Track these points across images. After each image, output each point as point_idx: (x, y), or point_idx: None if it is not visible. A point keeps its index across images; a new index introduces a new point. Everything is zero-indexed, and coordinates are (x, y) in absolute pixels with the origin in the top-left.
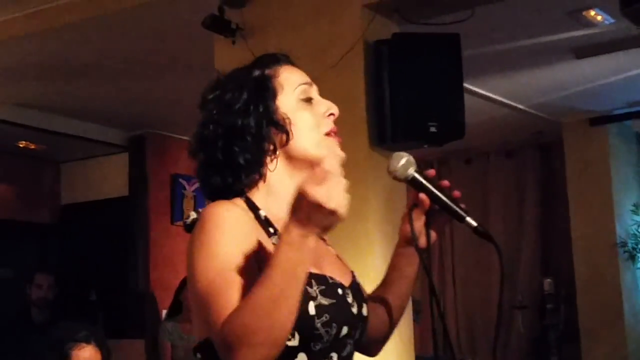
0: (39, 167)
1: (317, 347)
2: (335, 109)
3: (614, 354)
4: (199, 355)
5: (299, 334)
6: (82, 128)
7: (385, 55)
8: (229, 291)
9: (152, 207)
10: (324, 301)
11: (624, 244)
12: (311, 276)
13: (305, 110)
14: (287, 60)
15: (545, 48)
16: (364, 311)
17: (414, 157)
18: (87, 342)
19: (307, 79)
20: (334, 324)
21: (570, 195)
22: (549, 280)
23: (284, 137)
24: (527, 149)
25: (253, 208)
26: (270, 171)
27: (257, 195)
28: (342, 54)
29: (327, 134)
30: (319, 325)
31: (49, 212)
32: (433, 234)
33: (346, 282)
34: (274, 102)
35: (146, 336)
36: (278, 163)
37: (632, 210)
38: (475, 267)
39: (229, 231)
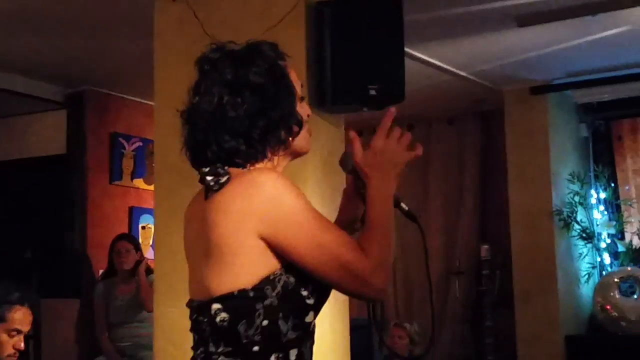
0: None
1: (321, 307)
2: (310, 112)
3: (546, 319)
4: (218, 306)
5: (317, 294)
6: (19, 83)
7: (327, 16)
8: (341, 233)
9: (90, 166)
10: None
11: (560, 212)
12: None
13: (302, 110)
14: (285, 57)
15: (488, 15)
16: None
17: (358, 120)
18: (21, 304)
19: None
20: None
21: (509, 163)
22: (486, 246)
23: (297, 129)
24: (468, 117)
25: None
26: (277, 156)
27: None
28: (283, 14)
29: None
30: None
31: None
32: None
33: None
34: (295, 96)
35: (82, 296)
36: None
37: (568, 180)
38: (414, 234)
39: (298, 190)
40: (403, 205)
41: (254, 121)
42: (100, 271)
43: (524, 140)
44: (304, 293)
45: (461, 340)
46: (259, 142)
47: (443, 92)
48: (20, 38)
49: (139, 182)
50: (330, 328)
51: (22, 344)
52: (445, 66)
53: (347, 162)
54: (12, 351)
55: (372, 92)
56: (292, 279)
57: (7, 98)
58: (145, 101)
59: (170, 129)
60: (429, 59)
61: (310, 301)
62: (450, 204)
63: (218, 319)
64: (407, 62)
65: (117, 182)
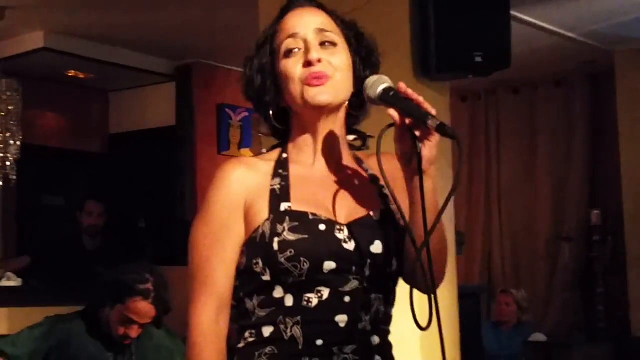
0: (88, 96)
1: (290, 281)
2: (310, 56)
3: None
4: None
5: (268, 269)
6: (131, 57)
7: None
8: (213, 264)
9: (198, 137)
10: (290, 237)
11: None
12: (286, 213)
13: (286, 64)
14: (295, 4)
15: None
16: (374, 248)
17: (461, 86)
18: (144, 297)
19: (296, 27)
20: (302, 259)
21: (620, 126)
22: (596, 212)
23: (281, 96)
24: (577, 79)
25: (280, 159)
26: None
27: (290, 143)
28: None
29: (307, 83)
30: (282, 260)
31: (98, 141)
32: (426, 153)
33: (350, 217)
34: (277, 59)
35: None
36: (292, 114)
37: None
38: (521, 200)
39: (224, 194)
40: (430, 122)
41: (258, 100)
42: None
43: (636, 102)
44: (257, 269)
45: (571, 306)
46: (271, 119)
47: (550, 54)
48: (131, 14)
49: (246, 152)
50: (439, 296)
51: (134, 333)
52: (552, 28)
53: (377, 89)
54: (121, 334)
55: (478, 59)
56: (243, 259)
57: (120, 72)
58: None
59: None
60: (536, 20)
61: (267, 277)
62: (559, 168)
63: None
64: (512, 25)
65: (225, 152)
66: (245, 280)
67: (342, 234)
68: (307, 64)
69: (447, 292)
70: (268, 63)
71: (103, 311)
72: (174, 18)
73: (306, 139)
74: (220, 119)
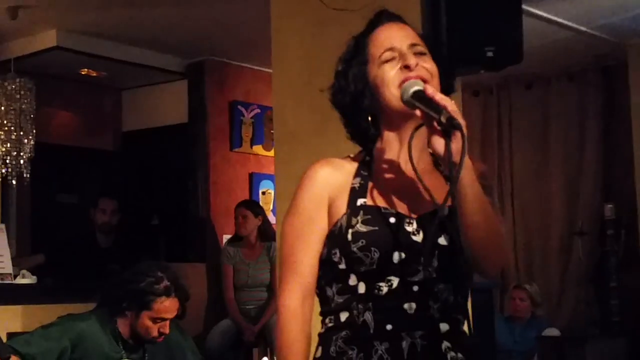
0: (101, 94)
1: (362, 269)
2: (409, 61)
3: None
4: None
5: (343, 257)
6: (143, 55)
7: None
8: (299, 254)
9: (211, 134)
10: (362, 229)
11: None
12: (361, 207)
13: (384, 71)
14: (387, 18)
15: None
16: (441, 240)
17: (473, 80)
18: (168, 295)
19: (393, 41)
20: (372, 249)
21: (633, 119)
22: (610, 206)
23: (375, 102)
24: (589, 73)
25: (363, 160)
26: (380, 131)
27: (377, 144)
28: None
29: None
30: (355, 249)
31: (111, 138)
32: (453, 146)
33: (421, 211)
34: (366, 69)
35: (207, 260)
36: (383, 118)
37: None
38: (534, 195)
39: (311, 191)
40: (443, 117)
41: (344, 109)
42: (224, 236)
43: None
44: (335, 259)
45: (585, 301)
46: (358, 125)
47: (563, 48)
48: (143, 12)
49: (258, 149)
50: None
51: (167, 329)
52: (564, 21)
53: (409, 92)
54: (157, 334)
55: (489, 54)
56: (324, 250)
57: (132, 70)
58: (262, 68)
59: (288, 95)
60: (548, 14)
61: (342, 266)
62: (572, 163)
63: None
64: (524, 19)
65: (237, 149)
66: (326, 270)
67: (411, 227)
68: (405, 67)
69: None
70: (362, 72)
71: (121, 314)
72: (186, 16)
73: (392, 140)
74: (233, 116)
